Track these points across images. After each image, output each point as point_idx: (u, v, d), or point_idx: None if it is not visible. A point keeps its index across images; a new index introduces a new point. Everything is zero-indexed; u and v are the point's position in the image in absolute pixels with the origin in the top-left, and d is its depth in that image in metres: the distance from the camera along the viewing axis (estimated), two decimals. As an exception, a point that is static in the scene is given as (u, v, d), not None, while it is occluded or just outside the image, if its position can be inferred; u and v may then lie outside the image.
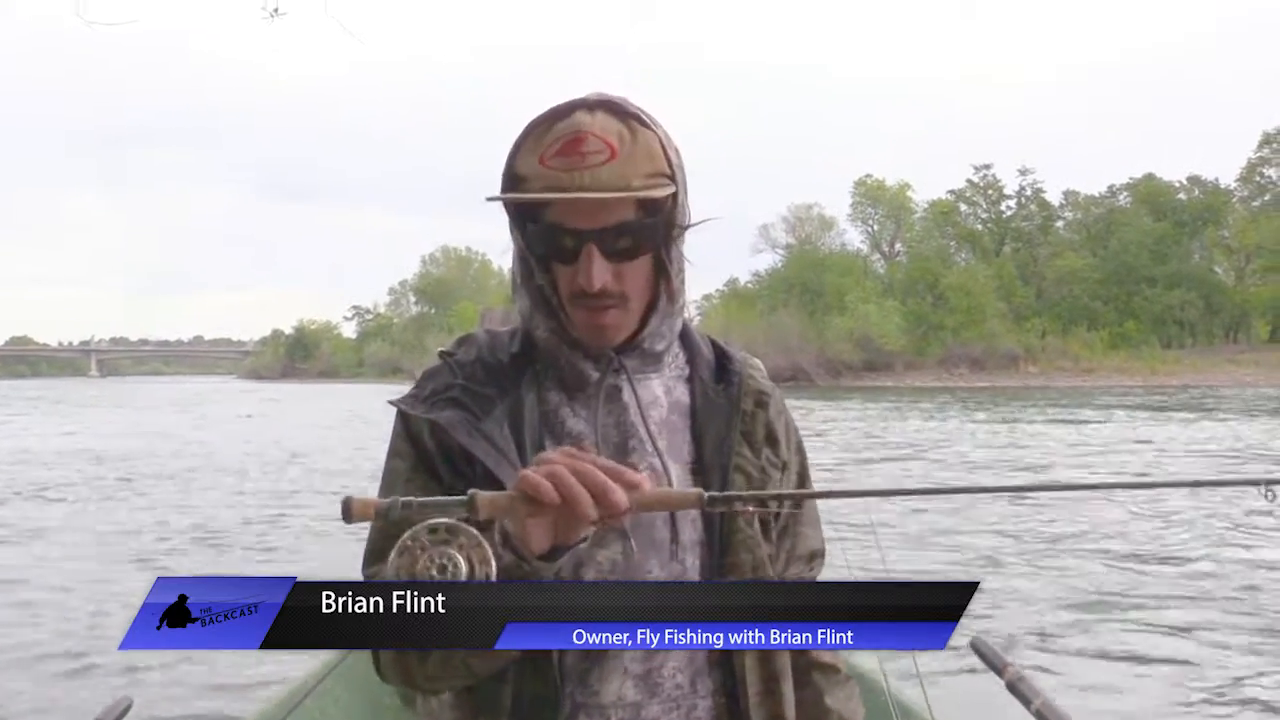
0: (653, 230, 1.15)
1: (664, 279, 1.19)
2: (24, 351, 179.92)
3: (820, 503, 1.29)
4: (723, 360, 1.29)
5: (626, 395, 1.21)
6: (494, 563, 0.92)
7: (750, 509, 1.19)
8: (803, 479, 1.32)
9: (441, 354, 1.23)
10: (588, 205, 1.11)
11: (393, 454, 1.22)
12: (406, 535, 0.93)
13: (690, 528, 1.19)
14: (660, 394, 1.24)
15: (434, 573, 0.92)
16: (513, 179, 1.14)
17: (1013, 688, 2.23)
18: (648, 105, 1.19)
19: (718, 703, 1.19)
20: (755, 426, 1.25)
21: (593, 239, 1.12)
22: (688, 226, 1.19)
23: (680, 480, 1.19)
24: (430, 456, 1.18)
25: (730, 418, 1.23)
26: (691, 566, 1.18)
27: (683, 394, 1.25)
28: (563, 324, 1.20)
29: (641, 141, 1.13)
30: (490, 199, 1.13)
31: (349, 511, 0.95)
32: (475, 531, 0.93)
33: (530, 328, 1.23)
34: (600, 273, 1.13)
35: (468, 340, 1.25)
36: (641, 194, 1.11)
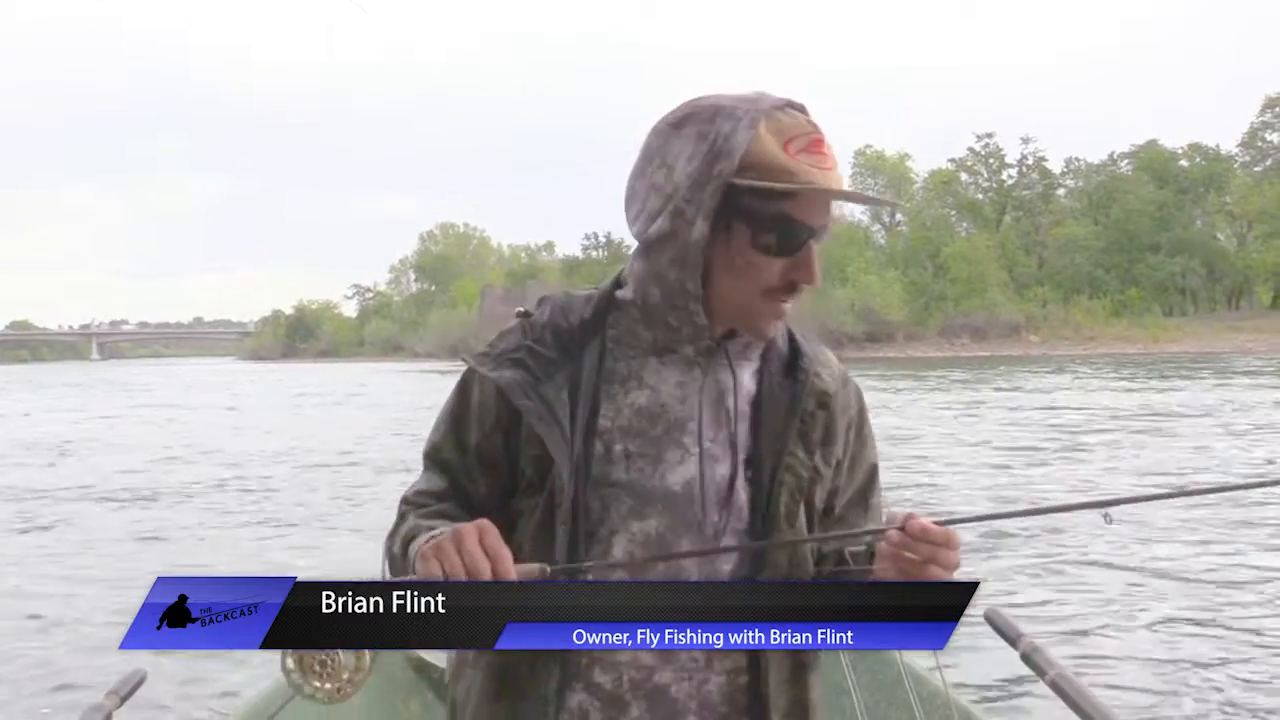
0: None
1: None
2: (24, 336, 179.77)
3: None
4: (795, 354, 1.28)
5: (703, 380, 1.21)
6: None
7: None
8: (872, 475, 1.32)
9: (518, 313, 1.24)
10: (824, 204, 1.15)
11: (448, 399, 1.27)
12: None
13: (735, 517, 1.19)
14: (735, 383, 1.24)
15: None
16: (753, 166, 1.12)
17: (1027, 659, 2.22)
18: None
19: (733, 681, 1.19)
20: (813, 427, 1.24)
21: (815, 237, 1.16)
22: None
23: (729, 472, 1.19)
24: (469, 410, 1.23)
25: (789, 416, 1.23)
26: (727, 554, 1.18)
27: (752, 385, 1.25)
28: (686, 311, 1.17)
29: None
30: (776, 187, 1.11)
31: None
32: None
33: (647, 302, 1.19)
34: (817, 268, 1.17)
35: (544, 301, 1.27)
36: (887, 200, 1.19)
